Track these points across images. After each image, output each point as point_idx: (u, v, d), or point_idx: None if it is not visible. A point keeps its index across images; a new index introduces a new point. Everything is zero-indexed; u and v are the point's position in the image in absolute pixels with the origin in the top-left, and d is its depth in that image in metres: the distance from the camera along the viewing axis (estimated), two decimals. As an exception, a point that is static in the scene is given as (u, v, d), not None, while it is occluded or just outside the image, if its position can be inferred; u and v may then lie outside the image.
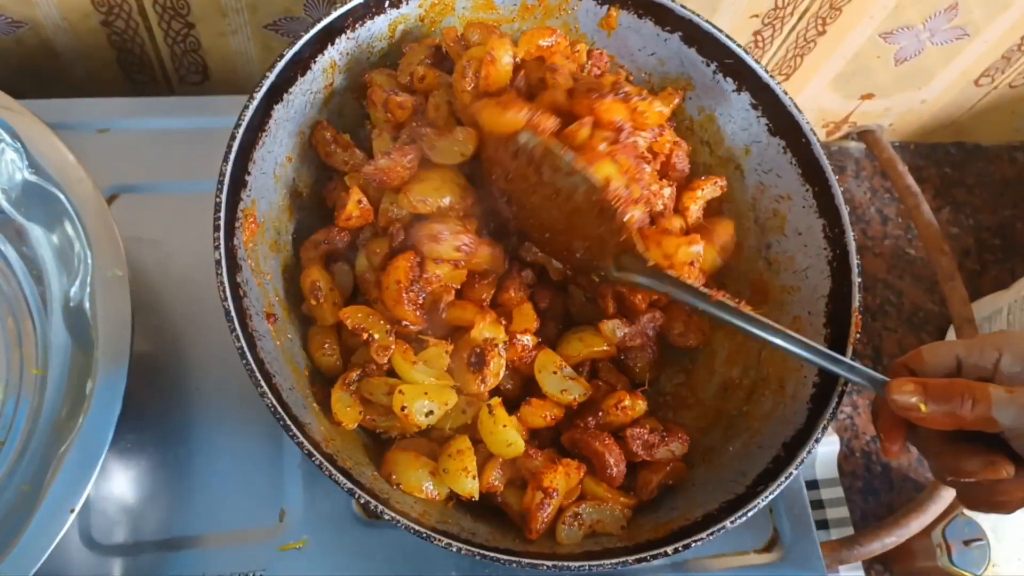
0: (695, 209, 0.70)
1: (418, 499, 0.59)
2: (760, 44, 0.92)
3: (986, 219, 1.14)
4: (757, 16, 0.87)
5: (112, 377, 0.59)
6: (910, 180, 1.03)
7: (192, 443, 0.69)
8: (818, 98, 1.04)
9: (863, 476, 0.95)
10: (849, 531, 0.90)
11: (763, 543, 0.71)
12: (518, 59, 0.65)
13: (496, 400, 0.60)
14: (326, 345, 0.65)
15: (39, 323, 0.66)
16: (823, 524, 0.92)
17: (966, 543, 0.82)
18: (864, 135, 1.10)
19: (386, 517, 0.53)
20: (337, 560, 0.66)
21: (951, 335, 1.01)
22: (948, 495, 0.83)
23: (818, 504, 0.93)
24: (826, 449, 0.93)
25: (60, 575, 0.63)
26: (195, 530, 0.66)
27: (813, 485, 0.94)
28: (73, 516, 0.55)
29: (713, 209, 0.73)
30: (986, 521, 0.82)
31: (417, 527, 0.53)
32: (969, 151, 1.17)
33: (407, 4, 0.69)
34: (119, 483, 0.67)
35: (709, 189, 0.71)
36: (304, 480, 0.68)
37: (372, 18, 0.67)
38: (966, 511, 0.83)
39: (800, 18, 0.88)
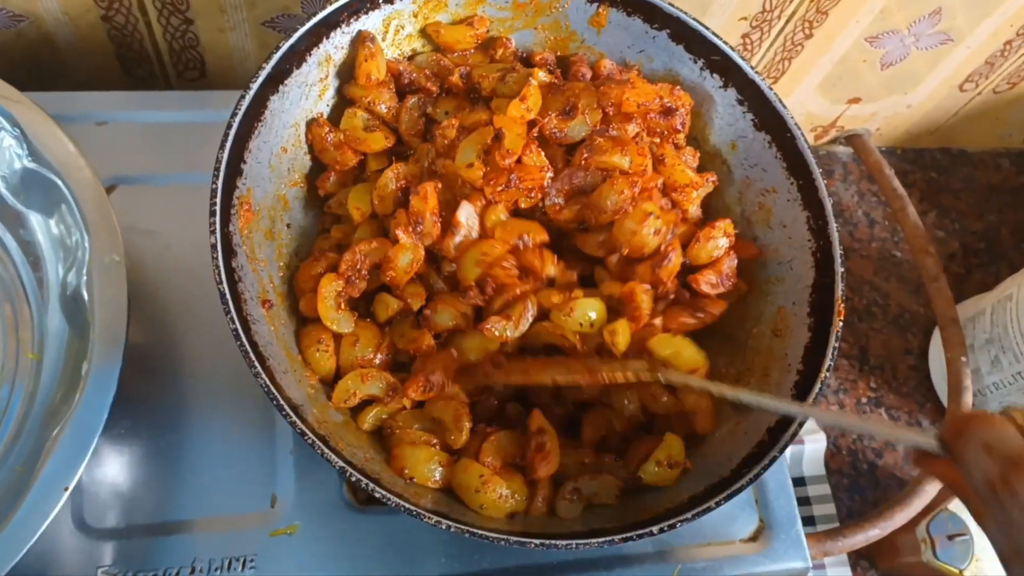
0: (694, 210, 0.71)
1: (410, 482, 0.60)
2: (748, 47, 0.94)
3: (971, 224, 1.16)
4: (745, 19, 0.89)
5: (108, 358, 0.60)
6: (896, 184, 1.05)
7: (185, 430, 0.69)
8: (806, 102, 1.06)
9: (849, 474, 0.96)
10: (836, 527, 0.91)
11: (749, 533, 0.72)
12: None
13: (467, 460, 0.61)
14: (320, 341, 0.64)
15: (36, 309, 0.67)
16: (810, 520, 0.93)
17: (950, 538, 0.83)
18: (851, 139, 1.12)
19: (377, 495, 0.54)
20: (328, 546, 0.66)
21: (936, 336, 1.03)
22: (932, 490, 0.84)
23: (805, 501, 0.94)
24: (813, 447, 0.94)
25: (53, 558, 0.63)
26: (187, 515, 0.66)
27: (800, 482, 0.95)
28: (67, 494, 0.56)
29: (704, 205, 0.74)
30: (969, 517, 0.83)
31: (408, 505, 0.54)
32: (955, 156, 1.19)
33: (400, 0, 0.70)
34: (112, 468, 0.67)
35: (703, 187, 0.71)
36: (296, 466, 0.68)
37: (367, 13, 0.69)
38: (950, 507, 0.84)
39: (787, 21, 0.90)
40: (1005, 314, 0.92)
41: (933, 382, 1.02)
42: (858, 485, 0.96)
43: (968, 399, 0.90)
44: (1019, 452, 0.45)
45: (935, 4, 0.90)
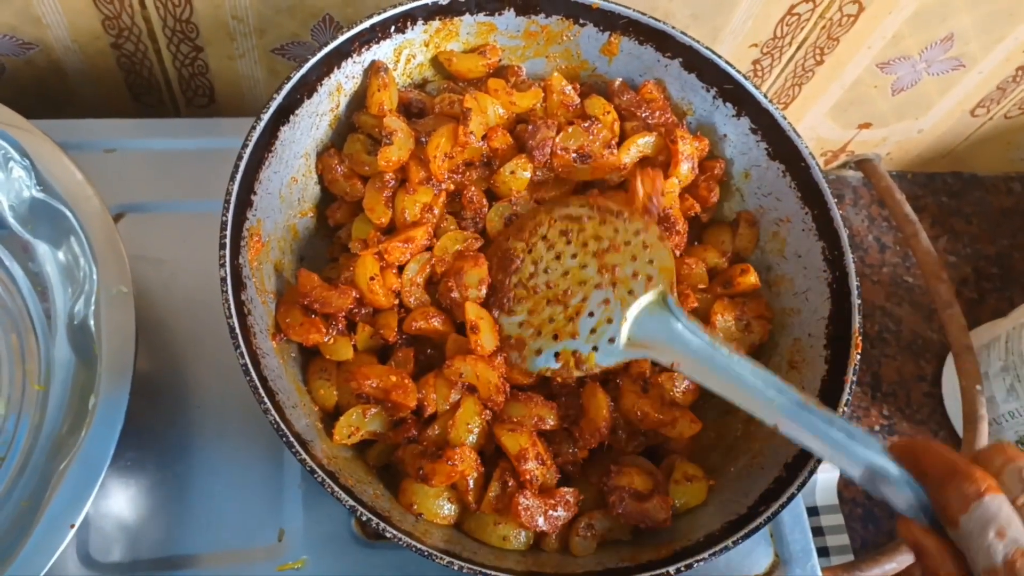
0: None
1: (420, 519, 0.59)
2: (759, 73, 0.94)
3: (984, 248, 1.15)
4: (756, 45, 0.89)
5: (115, 393, 0.59)
6: (908, 208, 1.04)
7: (192, 461, 0.68)
8: (816, 127, 1.05)
9: (863, 503, 0.95)
10: (849, 558, 0.90)
11: (764, 568, 0.71)
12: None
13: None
14: (324, 370, 0.64)
15: (43, 339, 0.67)
16: (823, 551, 0.91)
17: (968, 571, 0.81)
18: (862, 164, 1.11)
19: (388, 535, 0.53)
20: (336, 581, 0.65)
21: (950, 362, 1.02)
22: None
23: (818, 531, 0.92)
24: (826, 476, 0.93)
25: (57, 594, 0.62)
26: (193, 549, 0.65)
27: (813, 512, 0.93)
28: (73, 532, 0.55)
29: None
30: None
31: (419, 545, 0.53)
32: (966, 181, 1.19)
33: (412, 30, 0.70)
34: (118, 501, 0.67)
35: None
36: (304, 500, 0.67)
37: (378, 43, 0.69)
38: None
39: (799, 48, 0.90)
40: (1021, 341, 0.91)
41: (947, 409, 1.01)
42: (872, 515, 0.95)
43: (984, 428, 0.88)
44: None
45: (947, 30, 0.90)
